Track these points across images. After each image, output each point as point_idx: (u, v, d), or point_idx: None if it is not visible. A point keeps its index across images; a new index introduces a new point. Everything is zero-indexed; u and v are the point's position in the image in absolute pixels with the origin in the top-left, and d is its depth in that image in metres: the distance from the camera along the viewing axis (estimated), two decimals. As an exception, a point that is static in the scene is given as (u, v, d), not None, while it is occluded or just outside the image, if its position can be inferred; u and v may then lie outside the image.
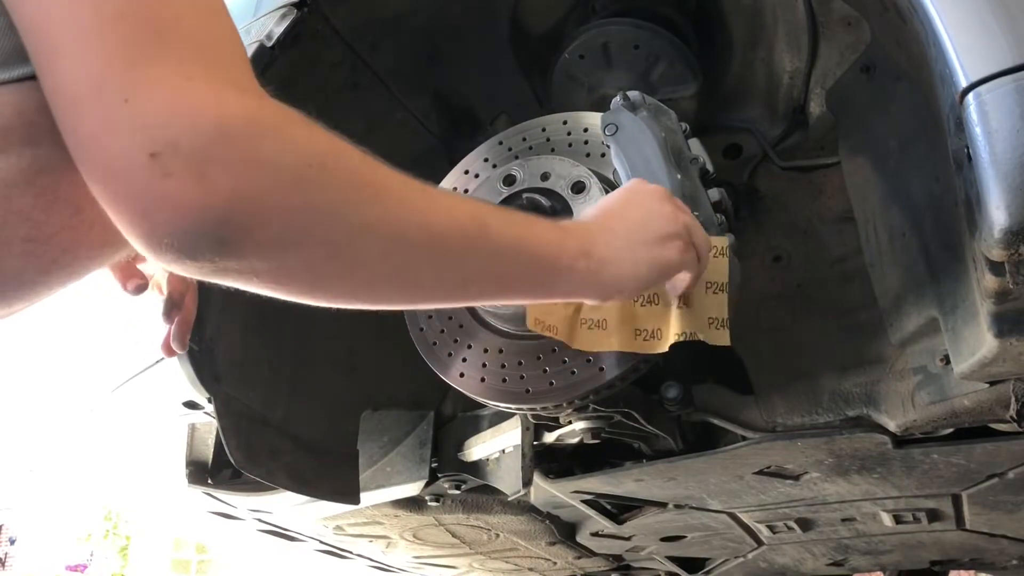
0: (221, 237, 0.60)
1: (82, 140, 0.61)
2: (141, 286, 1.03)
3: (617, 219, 0.92)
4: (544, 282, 0.85)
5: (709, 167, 1.19)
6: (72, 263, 0.75)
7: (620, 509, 1.82)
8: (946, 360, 1.13)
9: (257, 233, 0.61)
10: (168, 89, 0.60)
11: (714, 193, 1.15)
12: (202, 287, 1.16)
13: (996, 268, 0.83)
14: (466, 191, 1.30)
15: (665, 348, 1.03)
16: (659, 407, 1.35)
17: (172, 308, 1.08)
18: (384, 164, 0.72)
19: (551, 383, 1.14)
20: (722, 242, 1.05)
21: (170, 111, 0.59)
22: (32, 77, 0.68)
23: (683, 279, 0.99)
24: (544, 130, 1.30)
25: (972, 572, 2.98)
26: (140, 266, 1.05)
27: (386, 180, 0.71)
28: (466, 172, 1.34)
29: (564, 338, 1.06)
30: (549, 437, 1.44)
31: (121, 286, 1.03)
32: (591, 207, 0.96)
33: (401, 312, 1.31)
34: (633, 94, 1.17)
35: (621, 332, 1.05)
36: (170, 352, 1.10)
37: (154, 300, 1.09)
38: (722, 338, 1.03)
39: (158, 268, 1.08)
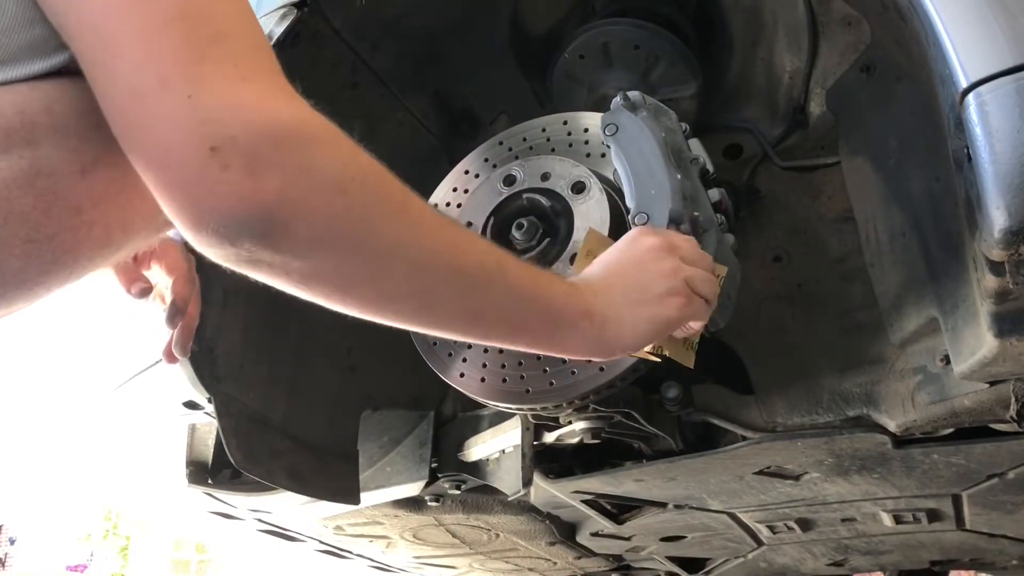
0: (264, 229, 0.65)
1: (143, 131, 0.65)
2: (144, 290, 1.04)
3: (618, 277, 0.94)
4: (551, 334, 0.88)
5: (709, 167, 1.19)
6: (72, 264, 0.76)
7: (620, 509, 1.82)
8: (946, 360, 1.13)
9: (298, 231, 0.66)
10: (228, 88, 0.65)
11: (714, 193, 1.15)
12: (203, 289, 1.16)
13: (996, 268, 0.83)
14: (466, 191, 1.30)
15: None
16: (659, 407, 1.35)
17: (176, 314, 1.09)
18: (416, 194, 0.76)
19: (551, 383, 1.14)
20: (722, 270, 1.05)
21: (231, 109, 0.64)
22: (35, 77, 0.70)
23: (692, 327, 1.01)
24: (544, 130, 1.30)
25: (972, 572, 2.98)
26: (144, 271, 1.05)
27: (420, 206, 0.76)
28: (466, 172, 1.34)
29: (683, 360, 1.06)
30: (549, 437, 1.44)
31: (124, 289, 1.04)
32: (595, 264, 0.97)
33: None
34: (633, 94, 1.17)
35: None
36: (171, 359, 1.12)
37: (156, 307, 1.10)
38: (688, 359, 1.05)
39: (161, 276, 1.08)
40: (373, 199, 0.71)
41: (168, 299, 1.09)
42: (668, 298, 0.94)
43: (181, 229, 0.66)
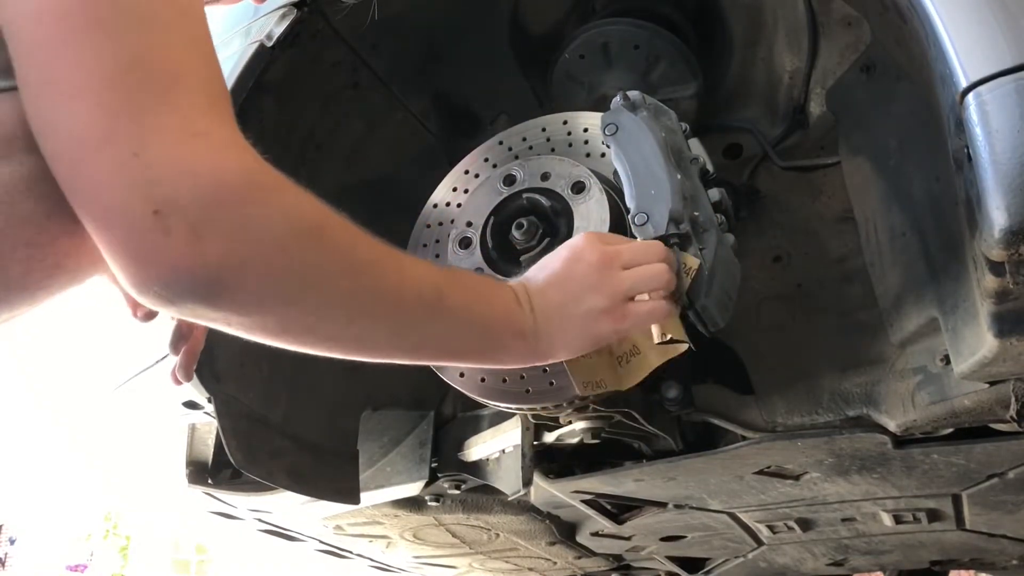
0: (205, 293, 0.65)
1: (86, 185, 0.63)
2: (150, 314, 1.04)
3: (556, 289, 0.96)
4: (487, 354, 0.92)
5: (709, 167, 1.19)
6: (75, 268, 0.76)
7: (620, 509, 1.82)
8: (946, 360, 1.13)
9: (239, 293, 0.66)
10: (176, 145, 0.63)
11: (714, 193, 1.15)
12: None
13: (996, 268, 0.83)
14: (466, 191, 1.30)
15: (685, 347, 1.05)
16: (659, 407, 1.35)
17: (179, 340, 1.10)
18: (361, 230, 0.76)
19: (551, 383, 1.13)
20: (692, 262, 1.05)
21: (177, 169, 0.62)
22: None
23: (659, 322, 1.01)
24: (544, 130, 1.30)
25: (972, 572, 2.98)
26: None
27: (362, 253, 0.76)
28: (466, 172, 1.33)
29: (615, 386, 1.08)
30: (549, 437, 1.44)
31: (131, 312, 1.04)
32: (537, 267, 0.99)
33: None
34: (633, 94, 1.17)
35: (650, 347, 1.06)
36: (176, 381, 1.12)
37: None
38: (664, 353, 1.06)
39: None
40: (316, 254, 0.71)
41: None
42: (602, 315, 0.95)
43: (124, 285, 0.66)
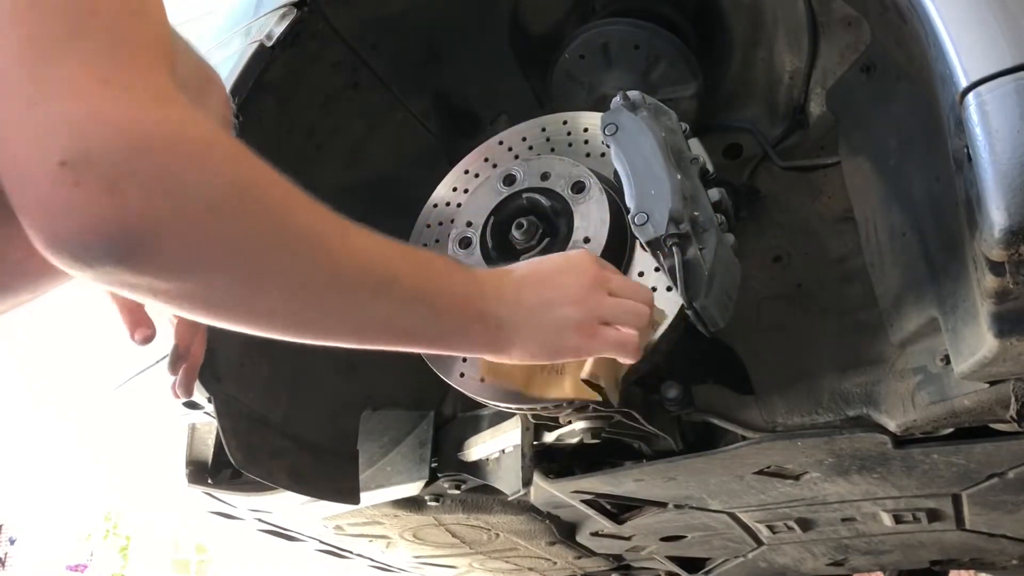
0: (123, 253, 0.58)
1: None
2: (148, 336, 1.00)
3: (533, 288, 0.93)
4: (444, 338, 0.86)
5: (709, 167, 1.19)
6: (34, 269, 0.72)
7: (620, 509, 1.82)
8: (946, 360, 1.13)
9: (161, 255, 0.60)
10: (82, 92, 0.57)
11: (714, 193, 1.15)
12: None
13: (996, 268, 0.83)
14: (466, 191, 1.30)
15: (600, 398, 1.06)
16: (659, 407, 1.35)
17: (177, 360, 1.07)
18: (306, 197, 0.70)
19: (551, 383, 1.13)
20: (661, 316, 1.06)
21: (83, 117, 0.56)
22: None
23: (620, 360, 1.01)
24: (544, 130, 1.30)
25: (972, 572, 2.98)
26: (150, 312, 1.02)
27: (303, 220, 0.69)
28: (466, 172, 1.33)
29: (521, 386, 1.08)
30: (549, 437, 1.44)
31: (129, 334, 1.00)
32: (528, 262, 0.98)
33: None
34: (633, 94, 1.17)
35: (574, 376, 1.06)
36: (177, 396, 1.10)
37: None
38: (613, 395, 1.07)
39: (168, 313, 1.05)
40: (249, 218, 0.64)
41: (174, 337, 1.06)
42: (572, 328, 0.93)
43: (37, 246, 0.60)
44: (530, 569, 2.43)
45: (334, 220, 0.73)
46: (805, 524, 1.85)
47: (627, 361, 1.01)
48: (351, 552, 2.28)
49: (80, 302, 1.53)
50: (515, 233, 1.18)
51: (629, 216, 1.08)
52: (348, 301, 0.74)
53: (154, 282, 0.62)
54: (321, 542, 2.16)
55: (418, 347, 0.86)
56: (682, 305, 1.06)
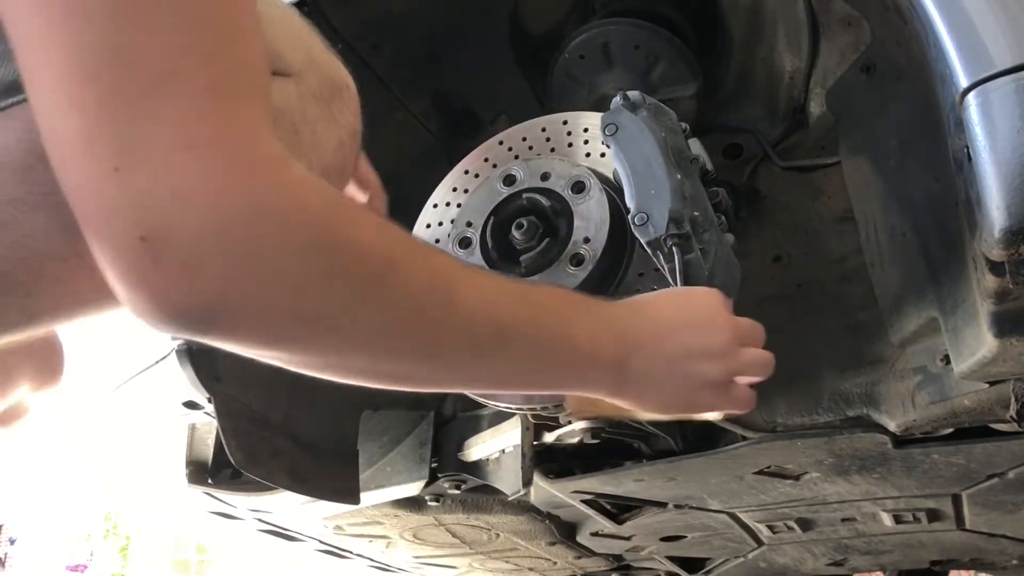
0: (202, 327, 0.56)
1: (73, 198, 0.54)
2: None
3: (676, 338, 0.86)
4: (559, 385, 0.82)
5: (709, 167, 1.19)
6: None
7: (620, 509, 1.82)
8: (946, 360, 1.13)
9: (238, 330, 0.57)
10: (165, 161, 0.52)
11: (714, 193, 1.15)
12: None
13: (996, 268, 0.83)
14: (466, 191, 1.30)
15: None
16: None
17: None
18: (413, 246, 0.66)
19: (551, 383, 1.13)
20: None
21: (167, 190, 0.52)
22: None
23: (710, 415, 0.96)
24: (544, 130, 1.30)
25: (972, 572, 2.98)
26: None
27: (402, 284, 0.64)
28: (466, 172, 1.33)
29: (614, 414, 1.03)
30: (549, 437, 1.44)
31: None
32: (658, 303, 0.90)
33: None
34: (633, 94, 1.17)
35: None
36: None
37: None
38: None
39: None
40: (340, 293, 0.59)
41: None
42: (706, 387, 0.88)
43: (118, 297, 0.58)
44: (530, 569, 2.43)
45: (442, 276, 0.68)
46: (805, 524, 1.85)
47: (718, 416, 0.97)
48: (351, 552, 2.28)
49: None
50: (515, 233, 1.18)
51: (629, 216, 1.08)
52: (453, 362, 0.70)
53: (242, 347, 0.60)
54: (321, 542, 2.16)
55: (531, 391, 0.83)
56: None
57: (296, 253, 0.56)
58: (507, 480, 1.47)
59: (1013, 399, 1.09)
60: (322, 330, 0.60)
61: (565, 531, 2.02)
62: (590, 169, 1.20)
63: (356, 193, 1.07)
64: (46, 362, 0.89)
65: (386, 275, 0.62)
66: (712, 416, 0.98)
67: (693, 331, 0.88)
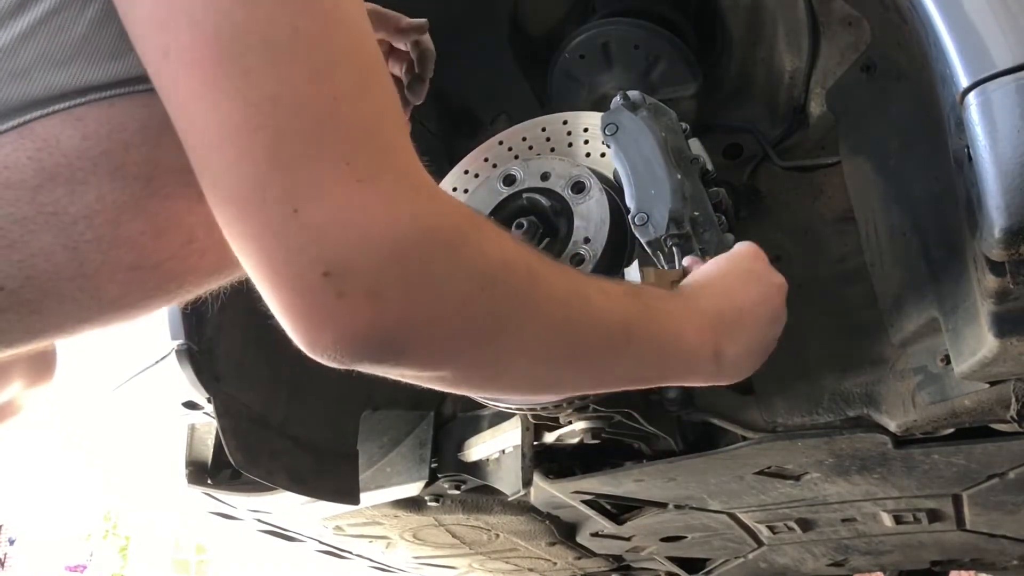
0: (383, 355, 0.59)
1: (248, 240, 0.56)
2: None
3: (749, 314, 0.91)
4: (670, 378, 0.86)
5: (709, 167, 1.19)
6: (177, 290, 0.71)
7: (620, 509, 1.82)
8: (947, 360, 1.13)
9: (419, 352, 0.60)
10: (341, 195, 0.55)
11: (714, 193, 1.15)
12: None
13: (996, 268, 0.83)
14: (466, 191, 1.30)
15: None
16: (659, 407, 1.35)
17: None
18: (544, 260, 0.70)
19: (551, 383, 1.13)
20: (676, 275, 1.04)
21: (344, 225, 0.55)
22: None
23: None
24: (544, 130, 1.30)
25: (972, 572, 2.98)
26: None
27: (547, 292, 0.68)
28: (466, 172, 1.33)
29: None
30: (549, 437, 1.43)
31: None
32: (721, 282, 0.93)
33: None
34: (633, 94, 1.17)
35: None
36: None
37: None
38: None
39: None
40: (500, 303, 0.63)
41: None
42: (772, 345, 0.94)
43: (296, 342, 0.60)
44: (530, 570, 2.43)
45: (574, 281, 0.73)
46: (805, 524, 1.85)
47: None
48: (351, 552, 2.28)
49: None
50: (515, 233, 1.18)
51: (629, 216, 1.08)
52: (591, 365, 0.75)
53: (409, 371, 0.62)
54: (321, 542, 2.16)
55: (643, 386, 0.86)
56: None
57: (462, 271, 0.60)
58: (507, 480, 1.47)
59: (1013, 399, 1.09)
60: (488, 342, 0.64)
61: (565, 531, 2.02)
62: (590, 169, 1.20)
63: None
64: (39, 360, 0.89)
65: (532, 285, 0.66)
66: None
67: (762, 301, 0.93)
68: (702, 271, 0.95)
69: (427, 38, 1.11)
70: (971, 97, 0.78)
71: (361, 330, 0.56)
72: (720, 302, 0.89)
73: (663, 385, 0.92)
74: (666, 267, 1.06)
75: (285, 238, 0.54)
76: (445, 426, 1.64)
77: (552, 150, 1.28)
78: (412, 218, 0.57)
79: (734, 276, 0.94)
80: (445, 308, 0.59)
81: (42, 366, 0.90)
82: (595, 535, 2.01)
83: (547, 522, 1.96)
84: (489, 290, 0.62)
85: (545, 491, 1.66)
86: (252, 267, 0.57)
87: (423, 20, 1.07)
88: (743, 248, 0.99)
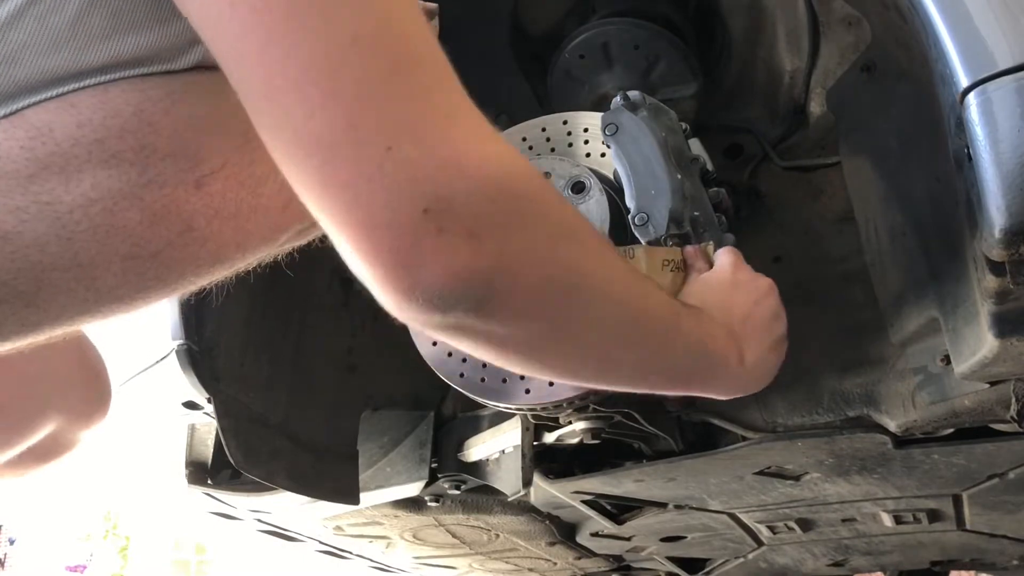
0: (481, 298, 0.57)
1: (335, 189, 0.54)
2: None
3: (756, 323, 0.93)
4: (706, 381, 0.87)
5: (709, 167, 1.19)
6: (177, 281, 0.69)
7: (620, 509, 1.82)
8: (947, 360, 1.12)
9: (512, 298, 0.59)
10: (432, 132, 0.54)
11: (714, 193, 1.15)
12: (202, 288, 1.14)
13: (996, 268, 0.83)
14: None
15: None
16: (659, 407, 1.35)
17: None
18: (604, 238, 0.73)
19: (551, 383, 1.13)
20: (676, 254, 1.05)
21: (441, 161, 0.54)
22: (159, 73, 0.62)
23: None
24: (544, 130, 1.30)
25: (972, 572, 2.98)
26: None
27: (616, 263, 0.70)
28: (466, 172, 1.33)
29: None
30: (549, 437, 1.43)
31: None
32: (717, 300, 0.95)
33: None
34: (633, 94, 1.17)
35: None
36: None
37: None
38: None
39: None
40: (582, 259, 0.63)
41: None
42: (781, 344, 0.96)
43: (380, 296, 0.57)
44: (530, 570, 2.43)
45: (629, 265, 0.76)
46: (805, 524, 1.85)
47: None
48: (351, 553, 2.28)
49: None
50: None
51: (629, 216, 1.08)
52: (646, 344, 0.74)
53: (494, 328, 0.60)
54: (321, 543, 2.16)
55: (686, 389, 0.87)
56: None
57: (548, 217, 0.60)
58: (507, 480, 1.47)
59: (1014, 399, 1.09)
60: (567, 297, 0.63)
61: (565, 531, 2.02)
62: (590, 169, 1.20)
63: None
64: (87, 393, 0.88)
65: (602, 246, 0.69)
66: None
67: (756, 304, 0.95)
68: (692, 296, 0.96)
69: (435, 24, 1.10)
70: (971, 97, 0.78)
71: (460, 269, 0.55)
72: (722, 318, 0.91)
73: (701, 393, 0.91)
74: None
75: (381, 178, 0.53)
76: (445, 426, 1.64)
77: (552, 150, 1.28)
78: (499, 157, 0.57)
79: (723, 293, 0.96)
80: (535, 252, 0.59)
81: (94, 403, 0.89)
82: (595, 535, 2.01)
83: (547, 522, 1.96)
84: (569, 241, 0.62)
85: (545, 491, 1.66)
86: (338, 218, 0.55)
87: (434, 4, 1.06)
88: (721, 262, 1.02)
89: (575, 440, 1.39)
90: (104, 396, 0.90)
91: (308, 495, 1.56)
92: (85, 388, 0.88)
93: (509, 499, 1.65)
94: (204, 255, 0.68)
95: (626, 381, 0.79)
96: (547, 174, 1.22)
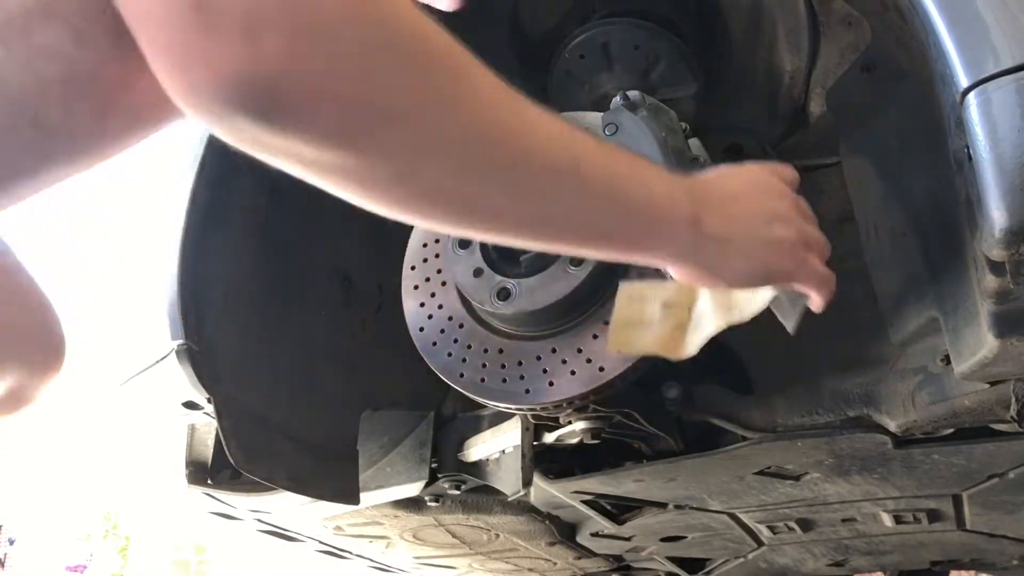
0: (262, 108, 0.51)
1: None
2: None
3: (738, 197, 0.82)
4: (636, 239, 0.75)
5: (710, 167, 1.19)
6: (136, 106, 0.64)
7: (620, 509, 1.82)
8: (947, 360, 1.13)
9: (305, 111, 0.52)
10: None
11: (714, 193, 1.15)
12: (199, 284, 1.14)
13: (996, 268, 0.83)
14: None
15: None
16: (659, 407, 1.35)
17: None
18: (474, 58, 0.59)
19: (550, 383, 1.13)
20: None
21: None
22: None
23: (808, 294, 0.92)
24: (544, 130, 1.30)
25: (972, 572, 2.98)
26: None
27: (473, 80, 0.59)
28: (466, 172, 1.33)
29: (656, 350, 0.98)
30: (549, 437, 1.43)
31: None
32: (711, 179, 0.85)
33: (402, 312, 1.31)
34: (633, 94, 1.17)
35: (721, 311, 0.95)
36: None
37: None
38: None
39: None
40: (405, 74, 0.54)
41: None
42: (785, 251, 0.84)
43: (175, 101, 0.53)
44: (530, 570, 2.43)
45: (506, 87, 0.62)
46: (805, 524, 1.85)
47: (819, 302, 0.92)
48: (351, 553, 2.28)
49: (80, 302, 1.53)
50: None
51: (629, 216, 1.07)
52: (529, 188, 0.65)
53: (300, 147, 0.54)
54: (321, 542, 2.16)
55: (614, 250, 0.76)
56: None
57: (359, 21, 0.52)
58: (507, 480, 1.47)
59: (1014, 399, 1.09)
60: (390, 121, 0.55)
61: (565, 531, 2.02)
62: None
63: None
64: (42, 346, 0.84)
65: (451, 62, 0.58)
66: (787, 291, 0.92)
67: (759, 194, 0.85)
68: (704, 172, 0.88)
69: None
70: (971, 97, 0.78)
71: (232, 72, 0.49)
72: (708, 179, 0.83)
73: (634, 254, 0.78)
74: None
75: None
76: (445, 426, 1.64)
77: (552, 150, 1.28)
78: None
79: (728, 171, 0.88)
80: (339, 61, 0.51)
81: (49, 354, 0.85)
82: (595, 535, 2.01)
83: (547, 522, 1.96)
84: (393, 51, 0.53)
85: (545, 491, 1.66)
86: (126, 9, 0.52)
87: None
88: (756, 165, 0.91)
89: (575, 440, 1.39)
90: (59, 348, 0.85)
91: (308, 495, 1.56)
92: (39, 338, 0.84)
93: (509, 499, 1.65)
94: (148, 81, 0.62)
95: (510, 230, 0.69)
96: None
